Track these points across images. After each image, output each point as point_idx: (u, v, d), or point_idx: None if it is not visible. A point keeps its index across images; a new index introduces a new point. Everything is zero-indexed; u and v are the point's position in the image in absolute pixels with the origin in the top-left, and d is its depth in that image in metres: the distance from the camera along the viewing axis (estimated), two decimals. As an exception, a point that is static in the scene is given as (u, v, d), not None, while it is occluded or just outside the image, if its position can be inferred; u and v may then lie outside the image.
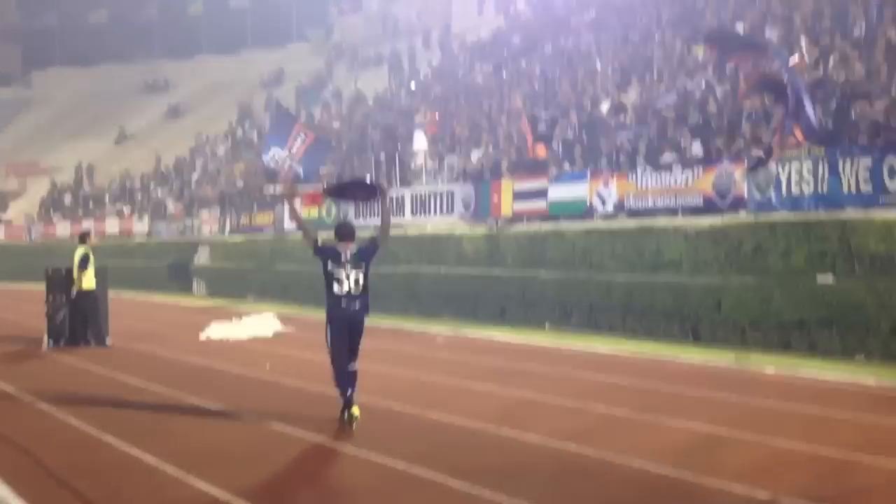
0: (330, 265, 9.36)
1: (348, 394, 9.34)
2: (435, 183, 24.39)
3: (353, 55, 55.05)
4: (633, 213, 17.64)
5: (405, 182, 25.19)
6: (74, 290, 15.80)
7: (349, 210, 25.31)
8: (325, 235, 10.36)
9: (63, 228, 44.26)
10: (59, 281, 16.39)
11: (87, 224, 43.52)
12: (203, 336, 17.02)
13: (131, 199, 44.38)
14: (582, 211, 18.81)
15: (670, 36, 24.07)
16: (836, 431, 8.49)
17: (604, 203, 18.37)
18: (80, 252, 15.95)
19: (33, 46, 71.29)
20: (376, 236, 9.88)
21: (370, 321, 9.69)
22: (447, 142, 25.95)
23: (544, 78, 27.29)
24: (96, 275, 16.06)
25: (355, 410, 9.32)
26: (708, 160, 16.29)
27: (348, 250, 9.38)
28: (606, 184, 18.32)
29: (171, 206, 37.01)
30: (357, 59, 54.08)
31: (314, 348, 12.82)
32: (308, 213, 25.67)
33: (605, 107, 21.27)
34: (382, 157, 26.26)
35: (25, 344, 16.73)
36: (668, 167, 16.83)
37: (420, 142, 24.55)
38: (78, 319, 15.98)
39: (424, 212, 23.41)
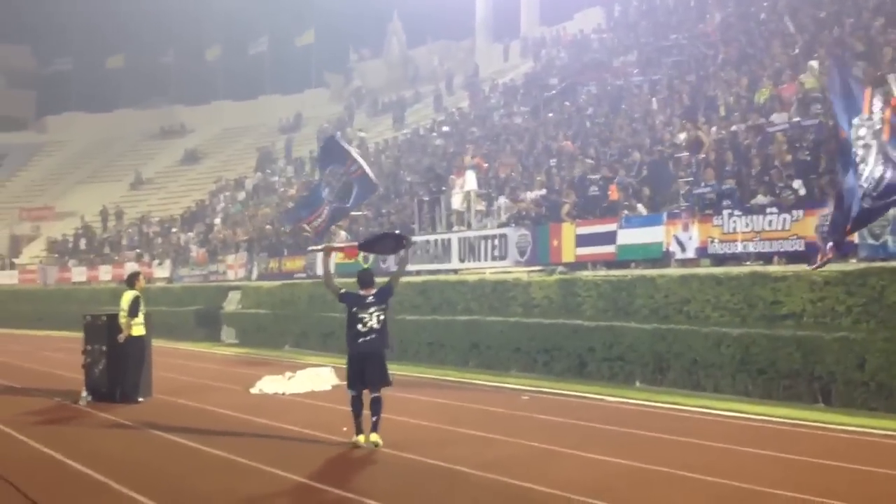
0: (355, 309, 10.71)
1: (373, 420, 10.51)
2: (483, 226, 23.08)
3: (373, 101, 54.32)
4: (719, 260, 16.28)
5: (450, 225, 23.88)
6: (122, 337, 14.30)
7: (388, 257, 24.05)
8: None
9: (79, 273, 43.06)
10: (99, 328, 14.93)
11: (105, 269, 42.57)
12: (255, 390, 15.52)
13: (149, 243, 43.15)
14: (658, 256, 17.47)
15: (734, 75, 22.92)
16: None
17: (683, 248, 17.00)
18: (129, 296, 14.48)
19: (48, 91, 70.85)
20: (391, 280, 11.31)
21: (430, 373, 11.84)
22: (492, 184, 24.70)
23: (594, 119, 26.14)
24: (144, 321, 14.59)
25: (376, 438, 10.43)
26: (810, 202, 14.91)
27: (369, 295, 10.76)
28: (686, 227, 16.98)
29: (195, 251, 35.67)
30: (378, 105, 53.31)
31: (394, 406, 12.03)
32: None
33: (680, 141, 20.00)
34: (425, 198, 24.96)
35: (58, 398, 15.19)
36: (762, 209, 15.46)
37: (471, 182, 23.23)
38: (120, 369, 14.43)
39: (473, 257, 22.02)
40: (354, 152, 20.84)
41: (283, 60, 66.15)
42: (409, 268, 23.29)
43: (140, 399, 14.41)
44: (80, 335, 15.89)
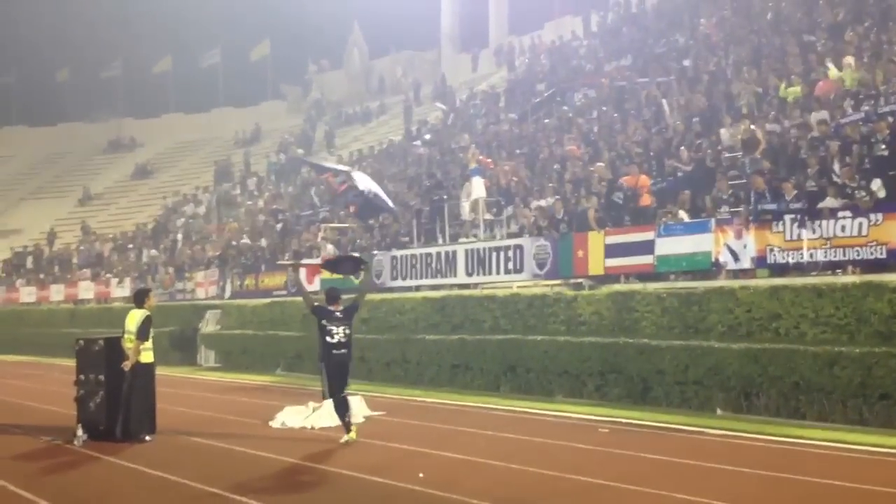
0: (324, 322, 12.04)
1: (346, 419, 11.87)
2: (492, 237, 21.36)
3: (336, 112, 52.53)
4: (780, 270, 14.74)
5: (456, 236, 22.09)
6: (128, 364, 12.21)
7: (383, 270, 22.28)
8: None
9: (28, 294, 40.43)
10: (95, 355, 12.72)
11: (56, 289, 39.86)
12: (276, 424, 13.47)
13: (101, 261, 40.51)
14: (707, 267, 15.91)
15: (754, 74, 21.64)
16: None
17: (736, 258, 15.45)
18: (138, 316, 12.38)
19: (-9, 105, 67.41)
20: (357, 299, 12.95)
21: (460, 399, 12.81)
22: (493, 192, 22.92)
23: (600, 124, 24.65)
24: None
25: (353, 435, 11.80)
26: (892, 204, 13.45)
27: (337, 310, 12.13)
28: (740, 235, 15.44)
29: (162, 271, 33.30)
30: (341, 117, 51.55)
31: (435, 439, 11.90)
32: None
33: (725, 139, 18.54)
34: (425, 208, 23.17)
35: (47, 437, 12.91)
36: (832, 214, 13.96)
37: (479, 189, 21.44)
38: (121, 402, 12.28)
39: (483, 271, 20.21)
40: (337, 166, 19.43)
41: (238, 72, 63.80)
42: (410, 283, 21.82)
43: (147, 438, 12.29)
44: (43, 360, 13.67)
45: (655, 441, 11.40)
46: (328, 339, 11.89)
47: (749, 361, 12.44)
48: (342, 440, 11.74)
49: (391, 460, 10.66)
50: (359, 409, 13.86)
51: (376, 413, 14.17)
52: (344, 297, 12.52)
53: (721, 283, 14.30)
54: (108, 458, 11.29)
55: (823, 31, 22.51)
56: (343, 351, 11.98)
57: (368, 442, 11.89)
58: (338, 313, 12.07)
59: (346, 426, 11.85)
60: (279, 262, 26.05)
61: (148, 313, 12.46)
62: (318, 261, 15.81)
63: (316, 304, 12.48)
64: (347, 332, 12.03)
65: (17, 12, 67.78)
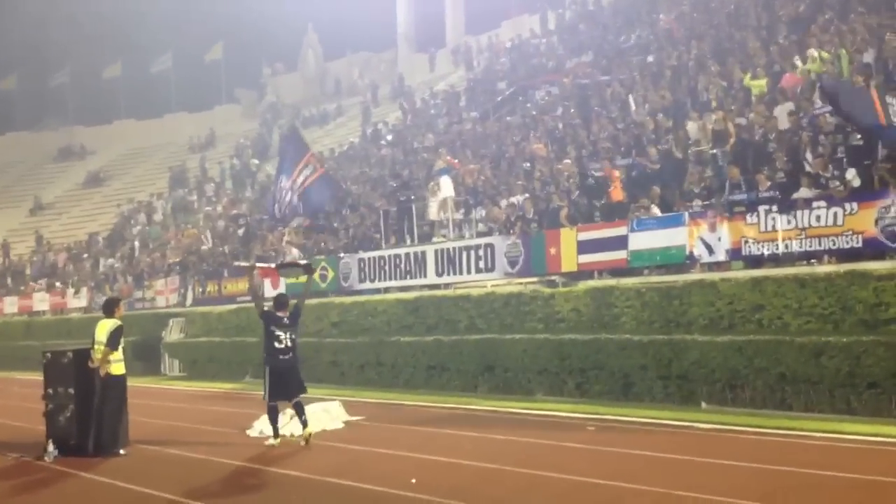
0: (273, 327, 12.34)
1: (303, 419, 12.12)
2: (461, 236, 21.14)
3: (292, 115, 51.92)
4: (756, 262, 14.69)
5: (424, 237, 21.82)
6: (102, 371, 11.74)
7: (350, 272, 21.96)
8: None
9: (-21, 307, 39.25)
10: (63, 368, 12.21)
11: (10, 301, 38.83)
12: (253, 432, 13.08)
13: (56, 272, 39.56)
14: (681, 261, 15.82)
15: (718, 68, 21.70)
16: None
17: (711, 251, 15.37)
18: (109, 325, 11.93)
19: (-67, 115, 65.65)
20: (297, 303, 12.99)
21: (438, 400, 13.43)
22: (461, 191, 22.73)
23: (564, 121, 24.57)
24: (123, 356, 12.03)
25: (308, 431, 12.01)
26: (867, 193, 13.47)
27: (285, 317, 12.43)
28: (713, 227, 15.37)
29: (121, 280, 32.57)
30: (299, 119, 50.98)
31: (419, 442, 11.68)
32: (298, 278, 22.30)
33: (693, 132, 18.52)
34: (392, 208, 22.90)
35: (15, 454, 12.35)
36: (807, 204, 13.94)
37: (447, 188, 21.20)
38: (93, 416, 11.83)
39: (454, 270, 19.96)
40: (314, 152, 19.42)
41: (190, 77, 62.82)
42: (378, 285, 21.54)
43: (122, 451, 11.84)
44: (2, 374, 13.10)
45: (643, 437, 11.28)
46: (276, 344, 12.21)
47: (734, 354, 12.34)
48: (269, 441, 12.18)
49: (381, 467, 10.38)
50: (338, 413, 13.57)
51: (355, 418, 13.88)
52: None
53: (701, 275, 14.21)
54: (83, 473, 10.84)
55: (784, 25, 22.67)
56: (289, 356, 12.27)
57: (353, 448, 11.61)
58: (286, 319, 12.38)
59: (275, 431, 12.23)
60: (236, 264, 25.81)
61: (119, 323, 12.02)
62: (271, 265, 16.09)
63: (266, 309, 12.76)
64: (293, 337, 12.34)
65: (-39, 20, 66.23)
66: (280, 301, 12.69)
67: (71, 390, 12.02)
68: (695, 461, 9.74)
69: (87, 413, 11.87)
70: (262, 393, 12.35)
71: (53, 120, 65.17)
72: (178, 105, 62.71)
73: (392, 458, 10.85)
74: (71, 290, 34.71)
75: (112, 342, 11.76)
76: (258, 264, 22.68)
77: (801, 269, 12.85)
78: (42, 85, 65.43)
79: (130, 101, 64.25)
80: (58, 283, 36.75)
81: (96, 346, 11.92)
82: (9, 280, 41.79)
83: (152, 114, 62.49)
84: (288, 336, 12.26)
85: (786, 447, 10.26)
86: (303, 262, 16.02)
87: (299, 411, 12.17)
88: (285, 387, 12.14)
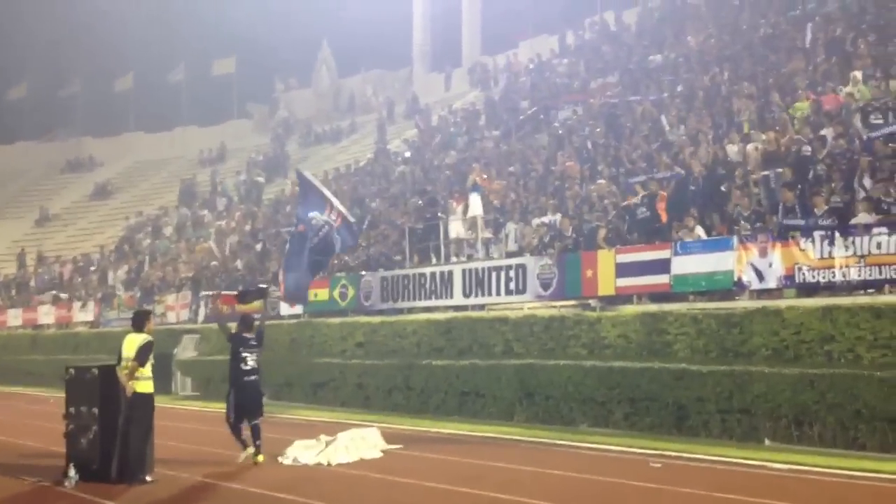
0: (240, 349, 12.67)
1: (256, 443, 12.32)
2: (491, 256, 20.44)
3: (304, 131, 51.40)
4: (810, 290, 13.95)
5: (448, 256, 21.13)
6: (129, 389, 11.02)
7: (372, 291, 21.26)
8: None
9: (-17, 319, 38.48)
10: (87, 385, 11.49)
11: (14, 314, 38.08)
12: (286, 460, 12.30)
13: (61, 284, 38.85)
14: (728, 287, 15.12)
15: (752, 88, 21.13)
16: None
17: (761, 277, 14.68)
18: (138, 340, 11.25)
19: (-57, 123, 65.18)
20: (260, 325, 13.27)
21: (472, 428, 13.27)
22: (489, 209, 22.04)
23: (593, 140, 23.97)
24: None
25: (261, 458, 12.22)
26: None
27: (251, 338, 12.83)
28: (764, 252, 14.68)
29: (122, 292, 31.88)
30: (311, 136, 50.49)
31: (473, 477, 10.81)
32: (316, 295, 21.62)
33: (732, 154, 17.88)
34: (418, 226, 22.22)
35: (32, 478, 11.54)
36: (867, 230, 13.27)
37: (476, 206, 20.53)
38: (117, 438, 11.06)
39: (482, 291, 19.25)
40: (329, 194, 18.55)
41: (202, 91, 62.43)
42: (402, 305, 20.80)
43: (148, 478, 11.07)
44: (4, 389, 12.34)
45: (715, 476, 10.39)
46: (242, 365, 12.54)
47: (805, 388, 11.57)
48: (241, 456, 12.34)
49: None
50: (375, 441, 12.81)
51: (393, 446, 13.07)
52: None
53: (763, 302, 13.45)
54: (107, 502, 10.08)
55: (822, 48, 22.13)
56: (254, 377, 12.63)
57: (400, 481, 10.81)
58: (252, 340, 12.80)
59: (242, 443, 12.48)
60: (202, 294, 26.69)
61: (149, 338, 11.31)
62: (234, 293, 16.23)
63: (233, 332, 13.05)
64: (257, 358, 12.73)
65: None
66: (246, 322, 13.04)
67: (95, 410, 11.25)
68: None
69: (112, 435, 11.11)
70: (226, 412, 12.62)
71: (62, 130, 64.85)
72: (188, 118, 62.33)
73: (447, 494, 10.06)
74: (77, 304, 34.01)
75: (141, 357, 11.03)
76: (223, 293, 22.67)
77: (877, 299, 12.11)
78: (52, 95, 65.09)
79: (141, 113, 63.95)
80: (63, 296, 36.05)
81: (123, 363, 11.18)
82: (13, 292, 41.12)
83: (162, 127, 62.15)
84: (253, 357, 12.62)
85: (862, 490, 9.51)
86: (261, 286, 16.66)
87: (256, 435, 12.38)
88: (248, 407, 12.42)
